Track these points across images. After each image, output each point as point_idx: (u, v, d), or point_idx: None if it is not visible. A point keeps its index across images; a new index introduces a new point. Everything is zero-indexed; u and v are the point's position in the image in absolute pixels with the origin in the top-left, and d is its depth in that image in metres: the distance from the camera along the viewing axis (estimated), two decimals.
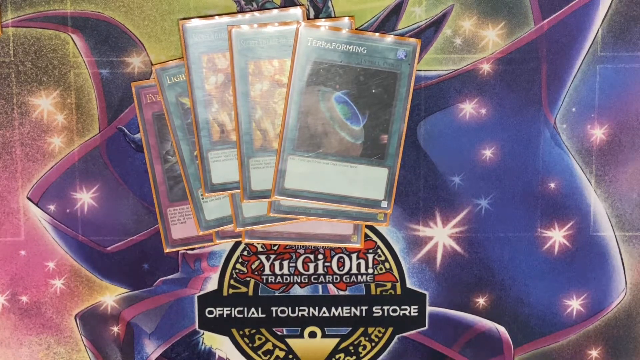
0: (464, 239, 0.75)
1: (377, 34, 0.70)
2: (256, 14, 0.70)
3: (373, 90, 0.71)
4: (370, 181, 0.71)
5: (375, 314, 0.76)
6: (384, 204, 0.72)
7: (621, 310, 0.76)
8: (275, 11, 0.70)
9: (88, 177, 0.73)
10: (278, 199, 0.71)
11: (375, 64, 0.70)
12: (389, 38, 0.70)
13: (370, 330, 0.76)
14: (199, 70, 0.70)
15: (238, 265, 0.75)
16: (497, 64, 0.72)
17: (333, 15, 0.71)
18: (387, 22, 0.71)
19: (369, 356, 0.77)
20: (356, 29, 0.71)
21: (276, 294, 0.76)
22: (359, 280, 0.75)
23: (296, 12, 0.70)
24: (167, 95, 0.71)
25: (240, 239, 0.74)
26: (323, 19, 0.70)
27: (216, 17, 0.70)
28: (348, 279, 0.75)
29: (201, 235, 0.73)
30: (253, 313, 0.76)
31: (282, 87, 0.70)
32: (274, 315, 0.76)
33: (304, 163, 0.71)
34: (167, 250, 0.74)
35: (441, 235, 0.75)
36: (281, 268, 0.75)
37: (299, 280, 0.75)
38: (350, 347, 0.77)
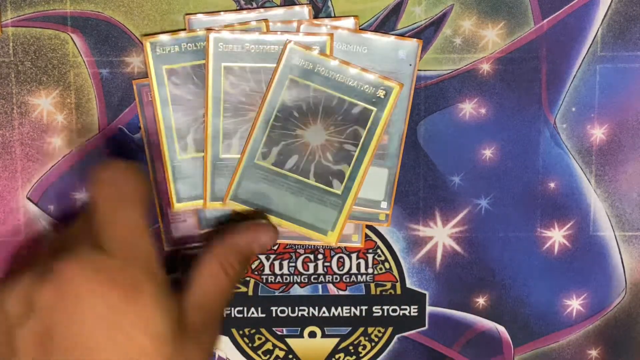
0: (464, 239, 0.75)
1: (377, 34, 0.70)
2: (261, 10, 0.70)
3: None
4: (370, 181, 0.71)
5: (375, 314, 0.76)
6: (384, 204, 0.72)
7: (621, 310, 0.76)
8: (281, 9, 0.70)
9: (88, 177, 0.73)
10: None
11: (376, 64, 0.70)
12: (390, 38, 0.70)
13: (370, 330, 0.76)
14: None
15: None
16: (497, 64, 0.72)
17: (333, 15, 0.71)
18: (387, 22, 0.71)
19: (369, 356, 0.77)
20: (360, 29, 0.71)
21: (276, 294, 0.76)
22: (358, 280, 0.75)
23: (302, 10, 0.70)
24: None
25: None
26: (327, 19, 0.70)
27: (222, 12, 0.70)
28: (348, 279, 0.75)
29: (202, 234, 0.74)
30: (253, 313, 0.76)
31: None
32: (274, 315, 0.76)
33: None
34: (166, 248, 0.74)
35: (441, 235, 0.75)
36: (281, 268, 0.75)
37: (298, 280, 0.75)
38: (350, 347, 0.77)
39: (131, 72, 0.71)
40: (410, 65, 0.70)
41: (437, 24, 0.71)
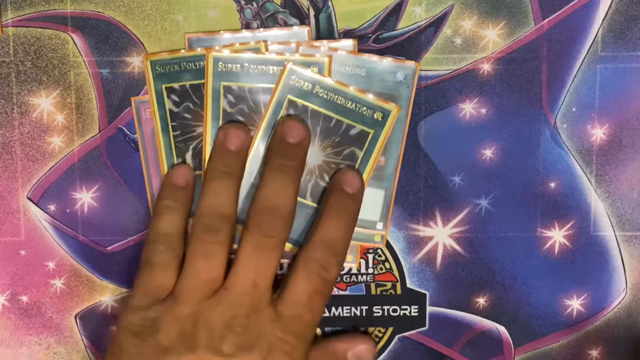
0: (464, 239, 0.75)
1: (375, 56, 0.70)
2: (260, 29, 0.70)
3: None
4: (366, 202, 0.71)
5: (375, 314, 0.76)
6: (379, 225, 0.73)
7: (621, 310, 0.76)
8: (280, 30, 0.70)
9: (88, 177, 0.73)
10: None
11: (374, 86, 0.70)
12: (388, 60, 0.70)
13: (370, 330, 0.76)
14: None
15: None
16: (497, 64, 0.72)
17: (333, 15, 0.71)
18: (387, 22, 0.71)
19: None
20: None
21: None
22: (359, 280, 0.75)
23: (302, 31, 0.70)
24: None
25: None
26: (325, 40, 0.70)
27: (221, 32, 0.70)
28: (348, 279, 0.75)
29: None
30: None
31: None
32: None
33: None
34: None
35: (441, 235, 0.75)
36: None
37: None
38: None
39: (131, 71, 0.71)
40: (408, 87, 0.70)
41: (437, 23, 0.71)
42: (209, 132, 0.70)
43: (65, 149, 0.72)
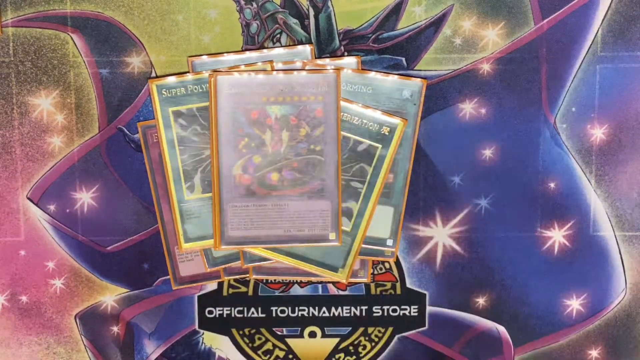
0: (464, 239, 0.75)
1: (381, 74, 0.70)
2: (265, 51, 0.70)
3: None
4: (376, 219, 0.72)
5: (375, 314, 0.76)
6: (390, 242, 0.73)
7: (621, 310, 0.76)
8: (283, 49, 0.70)
9: (88, 177, 0.73)
10: None
11: (380, 103, 0.70)
12: (394, 78, 0.70)
13: (370, 330, 0.76)
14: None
15: None
16: (497, 64, 0.72)
17: (333, 15, 0.71)
18: (387, 22, 0.71)
19: (369, 356, 0.77)
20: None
21: (276, 294, 0.76)
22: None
23: (304, 49, 0.70)
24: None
25: (247, 276, 0.74)
26: (328, 59, 0.70)
27: (225, 54, 0.70)
28: None
29: (209, 272, 0.74)
30: (253, 313, 0.76)
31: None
32: (274, 315, 0.76)
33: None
34: (175, 287, 0.74)
35: (441, 235, 0.75)
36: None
37: (299, 280, 0.75)
38: (350, 347, 0.77)
39: (131, 72, 0.71)
40: (415, 104, 0.71)
41: (437, 24, 0.71)
42: (216, 154, 0.70)
43: (65, 149, 0.72)
